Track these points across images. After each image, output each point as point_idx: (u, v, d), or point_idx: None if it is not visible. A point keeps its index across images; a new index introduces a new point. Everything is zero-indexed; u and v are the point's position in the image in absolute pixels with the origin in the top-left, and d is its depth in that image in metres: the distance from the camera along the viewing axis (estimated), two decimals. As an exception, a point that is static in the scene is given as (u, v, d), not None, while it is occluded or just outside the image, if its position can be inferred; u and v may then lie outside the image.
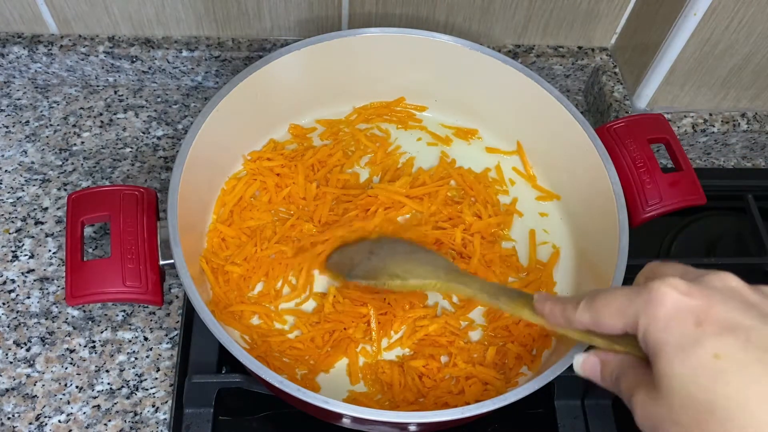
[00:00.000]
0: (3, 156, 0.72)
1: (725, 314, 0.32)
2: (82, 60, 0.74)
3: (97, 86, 0.78)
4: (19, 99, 0.76)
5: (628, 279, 0.52)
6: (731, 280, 0.34)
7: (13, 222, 0.67)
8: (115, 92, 0.78)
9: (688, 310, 0.33)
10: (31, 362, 0.60)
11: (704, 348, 0.31)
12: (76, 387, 0.60)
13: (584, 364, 0.40)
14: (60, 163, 0.72)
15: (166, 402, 0.59)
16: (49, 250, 0.66)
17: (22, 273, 0.65)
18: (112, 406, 0.59)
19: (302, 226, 0.61)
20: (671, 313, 0.33)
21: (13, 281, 0.64)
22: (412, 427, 0.51)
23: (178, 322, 0.63)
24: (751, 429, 0.30)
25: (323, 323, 0.56)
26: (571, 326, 0.40)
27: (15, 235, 0.67)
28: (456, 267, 0.55)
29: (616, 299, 0.36)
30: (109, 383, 0.60)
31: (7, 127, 0.74)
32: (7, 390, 0.59)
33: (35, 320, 0.62)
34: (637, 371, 0.36)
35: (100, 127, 0.75)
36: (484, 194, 0.64)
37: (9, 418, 0.58)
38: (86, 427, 0.58)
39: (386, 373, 0.55)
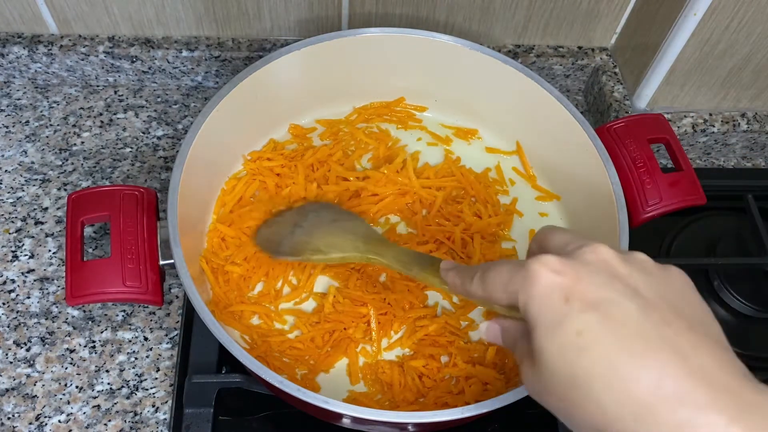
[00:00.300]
0: (3, 156, 0.72)
1: (591, 290, 0.33)
2: (82, 60, 0.74)
3: (97, 86, 0.78)
4: (19, 99, 0.76)
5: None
6: (603, 252, 0.35)
7: (13, 222, 0.67)
8: (115, 92, 0.78)
9: (557, 288, 0.34)
10: (31, 362, 0.60)
11: (569, 325, 0.33)
12: (76, 387, 0.60)
13: (488, 330, 0.42)
14: (60, 163, 0.72)
15: (166, 402, 0.59)
16: (49, 250, 0.66)
17: (22, 273, 0.65)
18: (112, 406, 0.59)
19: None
20: (543, 291, 0.34)
21: (13, 281, 0.64)
22: (412, 427, 0.51)
23: (178, 322, 0.63)
24: (606, 398, 0.32)
25: (323, 323, 0.56)
26: (469, 297, 0.42)
27: (15, 235, 0.67)
28: (377, 234, 0.56)
29: (501, 275, 0.37)
30: (109, 383, 0.60)
31: (7, 127, 0.74)
32: (7, 390, 0.59)
33: (35, 320, 0.62)
34: (525, 340, 0.37)
35: (100, 127, 0.75)
36: (485, 194, 0.64)
37: (9, 418, 0.58)
38: (86, 427, 0.58)
39: (386, 373, 0.55)
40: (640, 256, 0.36)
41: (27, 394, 0.59)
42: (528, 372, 0.36)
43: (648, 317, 0.33)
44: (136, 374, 0.60)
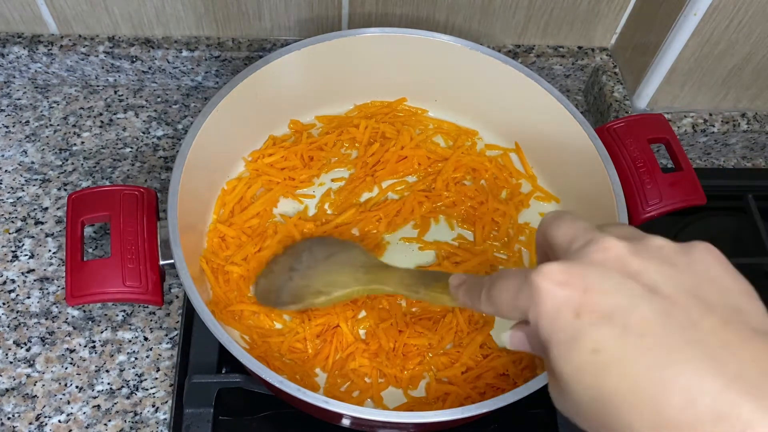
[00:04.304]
0: (3, 156, 0.72)
1: (602, 299, 0.30)
2: (82, 60, 0.74)
3: (97, 86, 0.78)
4: (19, 99, 0.76)
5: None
6: (612, 248, 0.31)
7: (13, 222, 0.67)
8: (115, 92, 0.78)
9: (565, 302, 0.30)
10: (31, 362, 0.60)
11: (584, 343, 0.29)
12: (76, 387, 0.60)
13: (512, 339, 0.38)
14: (60, 163, 0.72)
15: (166, 402, 0.59)
16: (49, 250, 0.66)
17: (22, 273, 0.65)
18: (112, 406, 0.59)
19: (304, 226, 0.61)
20: (550, 308, 0.31)
21: (13, 281, 0.64)
22: (413, 427, 0.51)
23: (178, 322, 0.63)
24: (637, 424, 0.28)
25: (314, 319, 0.56)
26: (482, 313, 0.39)
27: (15, 235, 0.67)
28: (376, 261, 0.53)
29: (507, 292, 0.34)
30: (109, 383, 0.60)
31: (7, 127, 0.74)
32: (7, 390, 0.59)
33: (35, 320, 0.62)
34: None
35: (100, 127, 0.75)
36: (498, 174, 0.65)
37: (9, 418, 0.58)
38: (86, 427, 0.58)
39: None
40: (657, 242, 0.32)
41: (27, 394, 0.59)
42: (553, 390, 0.33)
43: (670, 320, 0.28)
44: (136, 374, 0.60)
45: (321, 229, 0.61)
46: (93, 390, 0.59)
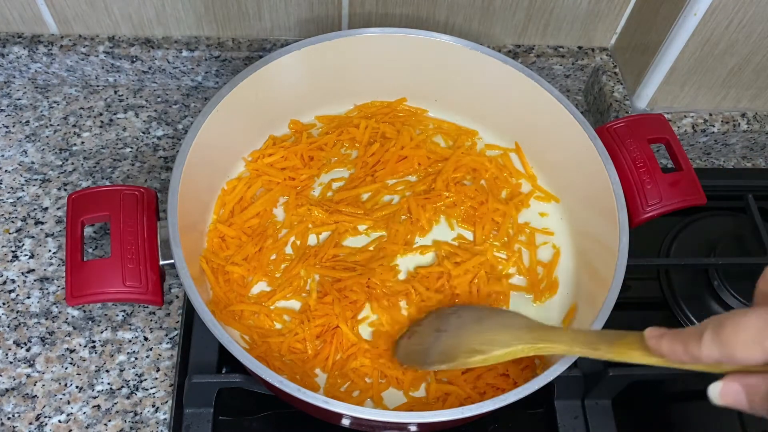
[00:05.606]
0: (3, 156, 0.72)
1: None
2: (82, 60, 0.74)
3: (97, 86, 0.78)
4: (19, 99, 0.76)
5: (628, 279, 0.52)
6: None
7: (13, 222, 0.67)
8: (115, 92, 0.78)
9: None
10: (31, 362, 0.60)
11: None
12: (76, 387, 0.60)
13: (724, 393, 0.34)
14: (60, 163, 0.72)
15: (166, 402, 0.59)
16: (49, 250, 0.66)
17: (22, 273, 0.65)
18: (112, 406, 0.59)
19: (312, 212, 0.61)
20: None
21: (13, 281, 0.64)
22: (413, 427, 0.51)
23: (178, 322, 0.63)
24: None
25: (313, 320, 0.56)
26: (698, 362, 0.35)
27: (15, 235, 0.67)
28: (538, 323, 0.50)
29: (749, 329, 0.31)
30: (109, 383, 0.60)
31: (7, 127, 0.74)
32: (7, 390, 0.59)
33: (35, 320, 0.62)
34: None
35: (100, 127, 0.75)
36: (497, 174, 0.65)
37: (9, 418, 0.58)
38: (86, 427, 0.58)
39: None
40: None
41: (27, 394, 0.59)
42: None
43: None
44: (136, 374, 0.60)
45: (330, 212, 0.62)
46: (93, 390, 0.59)
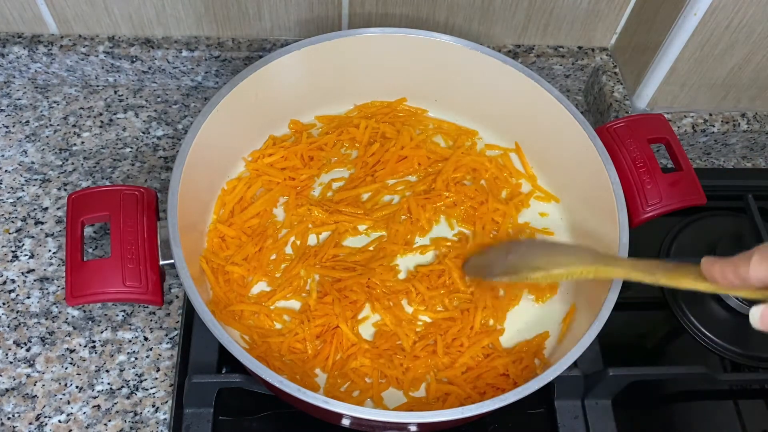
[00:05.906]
0: (3, 156, 0.72)
1: None
2: (82, 60, 0.75)
3: (97, 86, 0.78)
4: (19, 99, 0.76)
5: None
6: None
7: (13, 222, 0.67)
8: (115, 92, 0.78)
9: None
10: (31, 362, 0.60)
11: None
12: (76, 387, 0.60)
13: (764, 316, 0.37)
14: (60, 163, 0.72)
15: (166, 402, 0.59)
16: (49, 250, 0.66)
17: (22, 273, 0.65)
18: (112, 406, 0.59)
19: (312, 212, 0.61)
20: None
21: (13, 281, 0.64)
22: (413, 427, 0.51)
23: (178, 322, 0.63)
24: None
25: (313, 320, 0.56)
26: (745, 284, 0.38)
27: (15, 235, 0.67)
28: (599, 252, 0.53)
29: None
30: (109, 383, 0.60)
31: (7, 127, 0.74)
32: (7, 390, 0.59)
33: (35, 320, 0.62)
34: None
35: (100, 127, 0.75)
36: (497, 174, 0.66)
37: (9, 418, 0.58)
38: (86, 427, 0.58)
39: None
40: None
41: (27, 394, 0.59)
42: None
43: None
44: (136, 374, 0.60)
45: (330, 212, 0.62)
46: (93, 390, 0.59)
